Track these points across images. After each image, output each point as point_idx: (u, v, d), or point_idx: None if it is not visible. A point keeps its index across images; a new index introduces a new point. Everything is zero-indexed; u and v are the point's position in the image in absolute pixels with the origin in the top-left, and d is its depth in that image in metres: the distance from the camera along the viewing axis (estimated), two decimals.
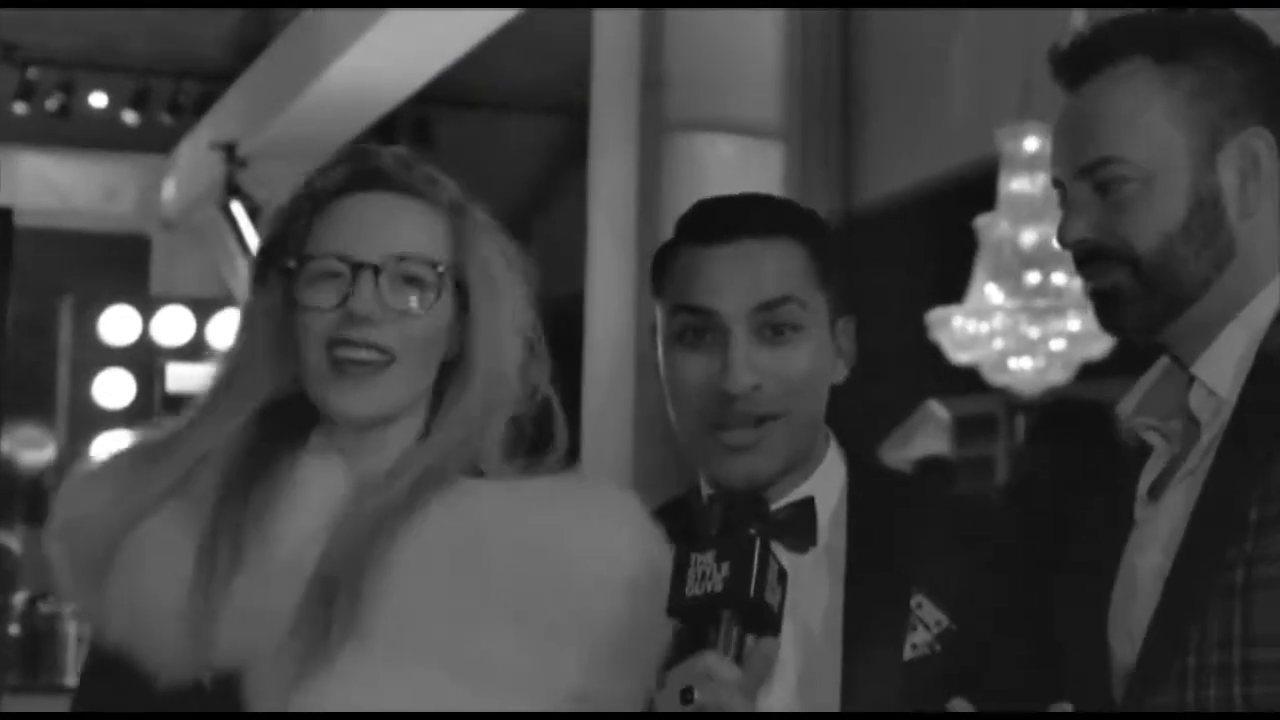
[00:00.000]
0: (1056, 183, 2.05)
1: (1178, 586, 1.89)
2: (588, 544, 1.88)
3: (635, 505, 1.95)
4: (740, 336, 2.10)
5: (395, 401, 1.91)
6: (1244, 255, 1.97)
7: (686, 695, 1.77)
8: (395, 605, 1.82)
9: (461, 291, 1.94)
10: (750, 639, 1.82)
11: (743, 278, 2.11)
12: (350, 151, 1.97)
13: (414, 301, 1.90)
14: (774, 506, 2.11)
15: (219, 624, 1.81)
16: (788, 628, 1.94)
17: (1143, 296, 1.97)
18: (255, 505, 1.87)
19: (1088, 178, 1.99)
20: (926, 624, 2.08)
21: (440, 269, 1.92)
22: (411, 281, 1.91)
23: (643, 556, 1.90)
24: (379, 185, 1.94)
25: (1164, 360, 2.08)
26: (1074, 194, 2.01)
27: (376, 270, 1.88)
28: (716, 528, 1.88)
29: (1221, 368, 1.96)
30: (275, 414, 1.93)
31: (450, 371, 1.95)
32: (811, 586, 2.11)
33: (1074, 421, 4.81)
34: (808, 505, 2.15)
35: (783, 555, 1.94)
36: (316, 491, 1.89)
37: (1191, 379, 1.99)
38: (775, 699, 2.06)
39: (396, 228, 1.92)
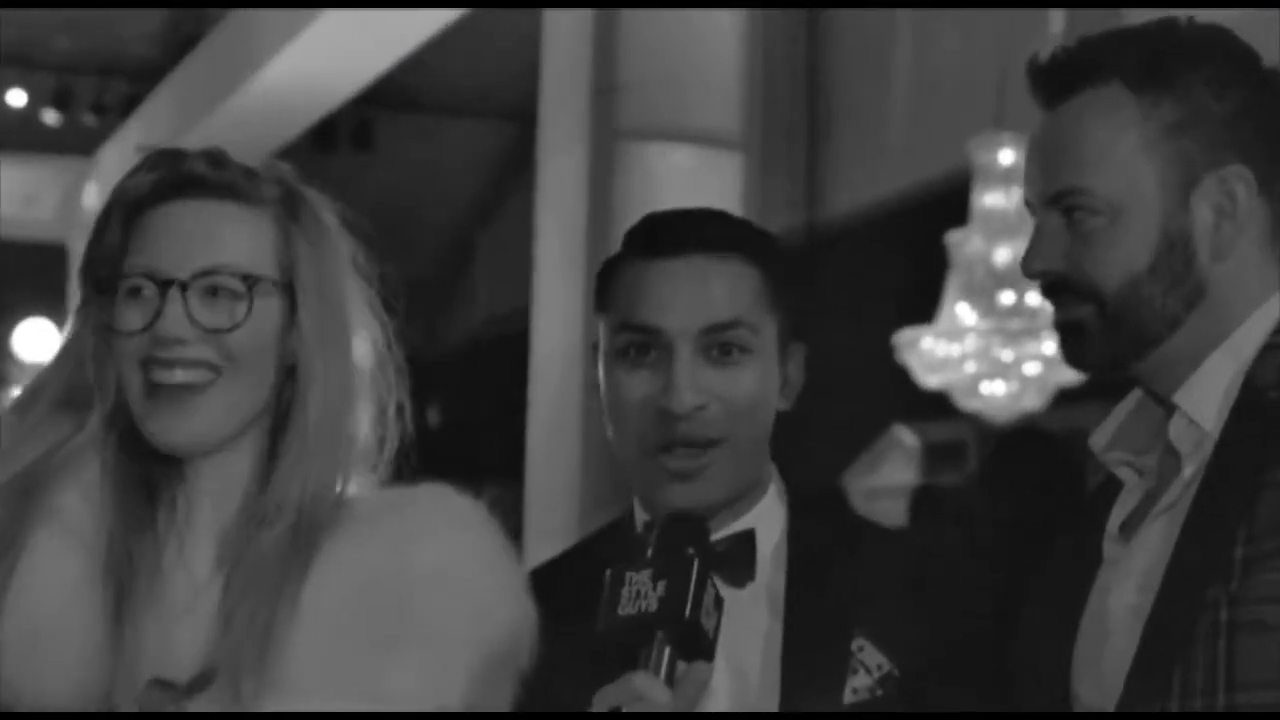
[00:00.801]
0: (1028, 204, 2.04)
1: (1158, 627, 1.88)
2: (476, 565, 1.92)
3: (488, 515, 1.97)
4: (685, 355, 2.10)
5: (217, 428, 1.89)
6: (1215, 297, 1.97)
7: (615, 714, 1.80)
8: (309, 652, 1.83)
9: (292, 294, 1.92)
10: (682, 663, 1.84)
11: (691, 296, 2.11)
12: (156, 156, 1.94)
13: (225, 318, 1.88)
14: (714, 537, 2.10)
15: (133, 664, 1.81)
16: (721, 663, 1.96)
17: (1106, 335, 1.97)
18: (158, 541, 1.87)
19: (1056, 205, 1.99)
20: (868, 668, 2.09)
21: (251, 280, 1.89)
22: (222, 295, 1.88)
23: (516, 567, 1.95)
24: (191, 192, 1.91)
25: (1138, 392, 2.08)
26: (1042, 221, 2.01)
27: (184, 287, 1.86)
28: (653, 548, 1.91)
29: (1205, 398, 1.95)
30: (126, 437, 1.91)
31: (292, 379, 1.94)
32: (749, 623, 2.11)
33: (1030, 454, 4.81)
34: (748, 538, 2.15)
35: (720, 589, 1.95)
36: (197, 525, 1.89)
37: (1171, 409, 1.98)
38: None
39: (209, 238, 1.89)
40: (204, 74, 11.57)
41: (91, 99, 12.99)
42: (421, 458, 2.01)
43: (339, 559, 1.87)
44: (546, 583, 2.00)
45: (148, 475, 1.90)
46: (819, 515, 2.22)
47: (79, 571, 1.84)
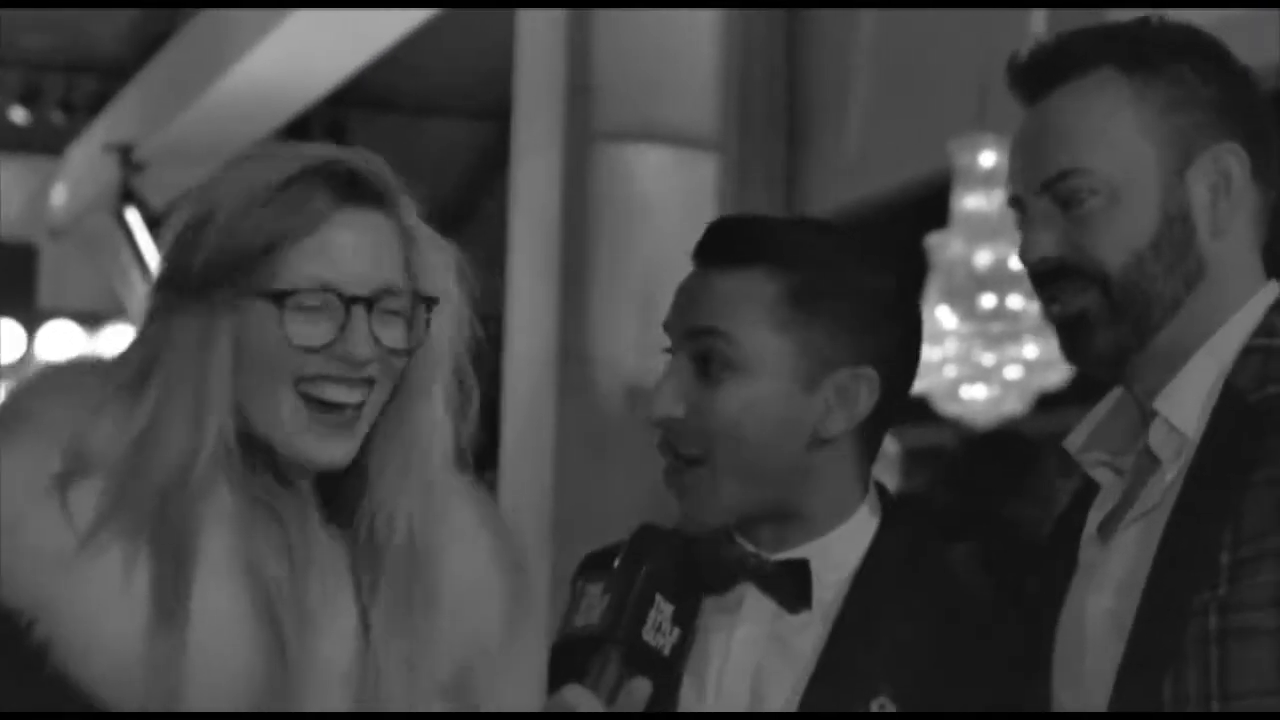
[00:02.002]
0: (1014, 200, 2.04)
1: (1145, 634, 1.87)
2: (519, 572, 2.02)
3: None
4: (676, 364, 2.07)
5: (360, 440, 1.90)
6: (1214, 276, 1.98)
7: None
8: (441, 670, 1.91)
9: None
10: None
11: (685, 305, 2.09)
12: (322, 162, 1.89)
13: (400, 337, 1.88)
14: (770, 557, 2.07)
15: (298, 687, 1.84)
16: (745, 682, 1.99)
17: (1112, 322, 1.97)
18: (293, 562, 1.88)
19: (1049, 192, 1.99)
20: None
21: (428, 300, 1.90)
22: (396, 315, 1.88)
23: None
24: (355, 199, 1.89)
25: (1116, 392, 2.09)
26: (1035, 210, 2.01)
27: (370, 305, 1.85)
28: (619, 561, 1.91)
29: (1186, 404, 1.96)
30: (245, 453, 1.89)
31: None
32: (788, 651, 2.05)
33: (998, 456, 4.82)
34: (801, 566, 2.07)
35: (768, 613, 2.00)
36: (316, 536, 1.90)
37: (1152, 414, 1.98)
38: None
39: (378, 254, 1.88)
40: (174, 72, 11.54)
41: (59, 97, 12.94)
42: None
43: (452, 575, 1.92)
44: None
45: (269, 493, 1.89)
46: (890, 564, 2.11)
47: (243, 609, 1.83)
